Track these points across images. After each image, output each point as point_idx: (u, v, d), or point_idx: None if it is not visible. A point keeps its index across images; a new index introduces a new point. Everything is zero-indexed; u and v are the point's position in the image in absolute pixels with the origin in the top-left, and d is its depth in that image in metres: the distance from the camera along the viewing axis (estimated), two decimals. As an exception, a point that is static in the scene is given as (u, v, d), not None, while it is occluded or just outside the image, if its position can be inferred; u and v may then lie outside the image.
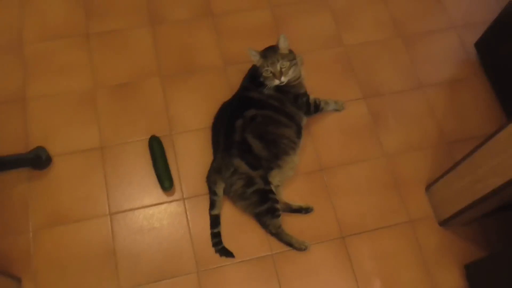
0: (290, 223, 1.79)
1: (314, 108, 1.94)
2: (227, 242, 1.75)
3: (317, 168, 1.92)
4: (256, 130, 1.78)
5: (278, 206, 1.76)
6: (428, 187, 1.89)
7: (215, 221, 1.77)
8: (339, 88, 2.09)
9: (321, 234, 1.80)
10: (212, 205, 1.78)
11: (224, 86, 2.04)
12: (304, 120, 1.91)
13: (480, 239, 1.82)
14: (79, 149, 1.88)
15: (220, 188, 1.77)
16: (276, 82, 1.78)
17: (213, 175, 1.79)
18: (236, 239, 1.77)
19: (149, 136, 1.90)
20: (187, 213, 1.80)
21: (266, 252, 1.76)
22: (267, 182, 1.76)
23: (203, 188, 1.83)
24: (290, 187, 1.87)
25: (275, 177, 1.79)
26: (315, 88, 1.98)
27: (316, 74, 2.06)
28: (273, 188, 1.77)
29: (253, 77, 1.86)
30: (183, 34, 2.15)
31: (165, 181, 1.81)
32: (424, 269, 1.77)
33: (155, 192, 1.83)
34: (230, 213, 1.80)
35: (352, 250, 1.78)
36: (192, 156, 1.90)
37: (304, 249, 1.75)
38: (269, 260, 1.75)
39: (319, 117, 2.01)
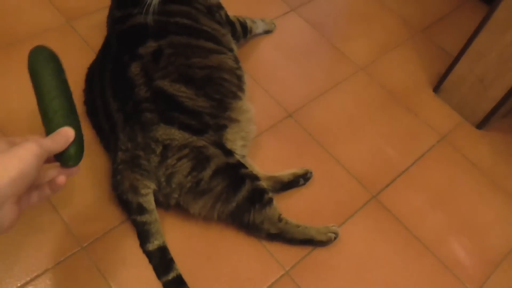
0: (288, 210, 1.00)
1: (242, 29, 1.21)
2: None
3: (284, 115, 1.17)
4: (173, 70, 0.96)
5: (263, 184, 0.96)
6: (437, 87, 1.29)
7: (163, 260, 0.89)
8: (257, 6, 1.40)
9: (344, 205, 1.05)
10: (145, 234, 0.90)
11: (80, 48, 1.19)
12: (235, 46, 1.16)
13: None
14: None
15: (147, 196, 0.90)
16: None
17: (125, 178, 0.90)
18: (217, 274, 0.91)
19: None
20: (103, 272, 0.88)
21: (278, 272, 0.93)
22: (228, 151, 0.95)
23: (108, 217, 0.94)
24: (260, 155, 1.08)
25: (235, 141, 0.99)
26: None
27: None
28: (241, 160, 0.97)
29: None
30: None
31: (70, 147, 0.59)
32: (498, 190, 1.14)
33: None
34: (181, 235, 0.94)
35: (396, 209, 1.06)
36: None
37: (334, 238, 0.98)
38: (287, 281, 0.92)
39: (250, 50, 1.28)
